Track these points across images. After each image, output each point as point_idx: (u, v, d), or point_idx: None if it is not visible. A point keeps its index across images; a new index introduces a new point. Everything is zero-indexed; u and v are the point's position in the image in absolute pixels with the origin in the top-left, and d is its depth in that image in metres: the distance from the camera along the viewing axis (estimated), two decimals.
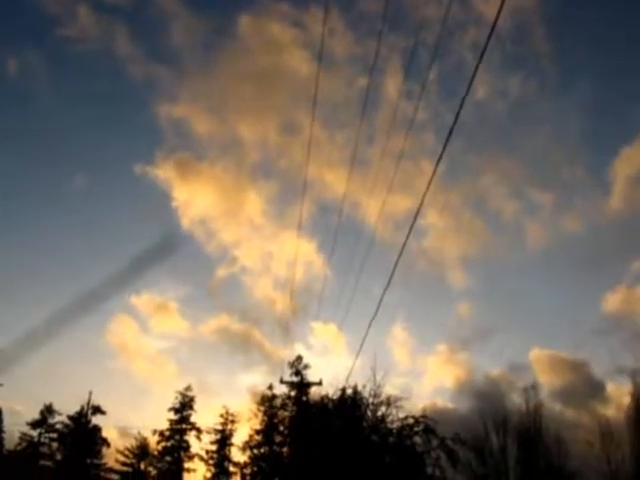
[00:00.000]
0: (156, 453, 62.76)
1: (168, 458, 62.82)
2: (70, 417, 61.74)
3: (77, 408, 61.02)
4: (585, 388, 61.76)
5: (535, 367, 78.99)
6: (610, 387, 68.28)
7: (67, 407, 64.26)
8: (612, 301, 68.49)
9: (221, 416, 64.66)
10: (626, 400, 51.12)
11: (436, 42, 11.03)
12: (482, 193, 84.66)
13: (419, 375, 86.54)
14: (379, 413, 43.70)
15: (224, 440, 63.99)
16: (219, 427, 64.34)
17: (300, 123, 75.63)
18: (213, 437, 63.98)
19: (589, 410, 60.43)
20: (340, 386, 44.06)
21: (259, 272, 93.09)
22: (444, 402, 75.82)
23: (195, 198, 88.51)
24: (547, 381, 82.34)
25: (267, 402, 59.41)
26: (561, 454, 51.46)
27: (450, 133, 10.91)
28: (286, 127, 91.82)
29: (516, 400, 56.57)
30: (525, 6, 76.58)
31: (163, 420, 63.74)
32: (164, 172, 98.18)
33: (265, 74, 79.29)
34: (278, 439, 57.62)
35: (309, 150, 21.75)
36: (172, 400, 64.26)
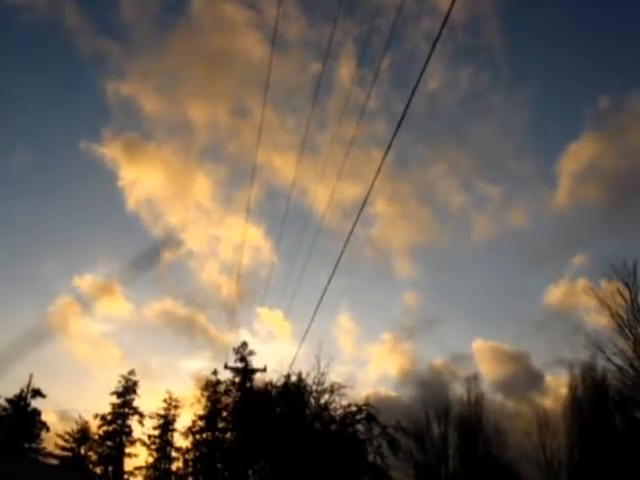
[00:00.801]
0: (97, 438, 61.93)
1: (109, 443, 62.02)
2: (8, 400, 60.42)
3: (16, 391, 59.79)
4: (525, 379, 63.16)
5: (477, 358, 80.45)
6: (549, 378, 70.10)
7: (6, 390, 62.65)
8: (553, 294, 70.06)
9: (164, 401, 64.15)
10: (563, 391, 52.52)
11: (390, 30, 10.92)
12: (431, 183, 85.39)
13: (364, 363, 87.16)
14: (322, 401, 43.97)
15: (167, 425, 63.48)
16: (162, 412, 63.77)
17: (251, 106, 74.82)
18: (156, 422, 63.40)
19: (528, 401, 61.82)
20: (284, 373, 44.17)
21: (205, 256, 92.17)
22: (388, 391, 76.83)
23: (142, 178, 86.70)
24: (488, 372, 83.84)
25: (211, 388, 59.07)
26: (500, 443, 52.70)
27: (400, 122, 10.88)
28: (237, 110, 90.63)
29: (458, 390, 57.71)
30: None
31: (105, 404, 62.93)
32: (110, 150, 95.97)
33: (217, 55, 78.13)
34: (221, 425, 57.38)
35: (260, 134, 21.54)
36: (115, 384, 63.52)
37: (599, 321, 46.23)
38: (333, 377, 44.84)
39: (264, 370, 44.61)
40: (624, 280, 44.58)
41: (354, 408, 43.80)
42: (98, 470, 61.63)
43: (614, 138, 73.24)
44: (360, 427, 44.43)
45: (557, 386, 58.54)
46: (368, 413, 43.64)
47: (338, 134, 16.73)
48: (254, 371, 48.15)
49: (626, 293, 44.31)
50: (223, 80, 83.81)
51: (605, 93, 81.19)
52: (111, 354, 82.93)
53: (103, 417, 62.14)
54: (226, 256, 74.88)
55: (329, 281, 17.28)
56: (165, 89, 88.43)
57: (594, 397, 49.07)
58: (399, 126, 10.96)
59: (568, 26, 79.02)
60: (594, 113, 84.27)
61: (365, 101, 13.65)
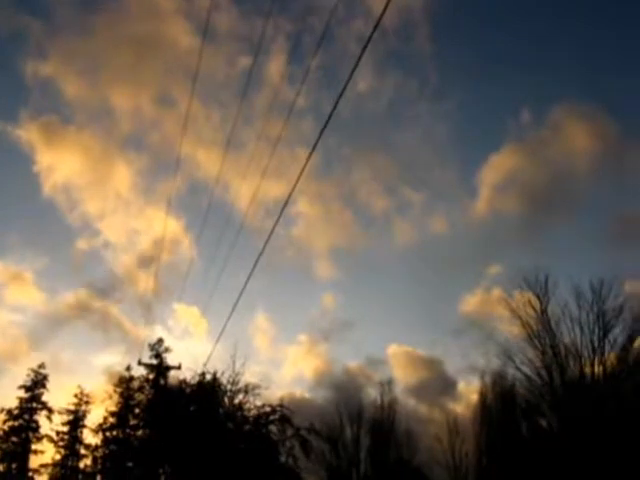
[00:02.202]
0: (1, 433, 59.80)
1: (14, 439, 60.00)
2: None
3: None
4: (438, 385, 64.39)
5: (392, 362, 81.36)
6: (461, 385, 71.57)
7: None
8: (469, 303, 71.65)
9: (75, 396, 62.49)
10: (475, 398, 53.82)
11: (323, 29, 10.86)
12: (354, 186, 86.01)
13: (279, 364, 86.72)
14: (236, 401, 43.67)
15: (77, 421, 61.85)
16: (72, 408, 62.15)
17: (177, 97, 73.28)
18: (65, 418, 61.74)
19: (441, 406, 63.04)
20: (198, 371, 43.70)
21: (123, 247, 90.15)
22: (303, 392, 76.84)
23: (59, 164, 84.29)
24: (403, 376, 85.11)
25: (124, 384, 57.91)
26: (411, 447, 53.58)
27: (326, 123, 10.87)
28: (162, 99, 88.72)
29: (372, 394, 58.38)
30: (413, 5, 78.42)
31: (12, 398, 60.88)
32: (27, 133, 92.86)
33: (144, 41, 76.13)
34: (133, 422, 56.30)
35: (185, 126, 21.21)
36: (23, 377, 61.50)
37: (511, 331, 47.65)
38: (248, 377, 44.58)
39: (179, 368, 44.09)
40: (535, 292, 46.13)
41: (268, 409, 43.70)
42: (0, 467, 59.53)
43: (534, 151, 75.70)
44: (273, 428, 44.35)
45: (469, 392, 60.04)
46: (282, 414, 43.61)
47: (264, 131, 16.64)
48: (169, 368, 47.48)
49: (537, 304, 45.85)
50: (149, 67, 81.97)
51: (527, 107, 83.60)
52: (20, 345, 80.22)
53: (9, 412, 60.10)
54: (144, 249, 73.21)
55: (247, 280, 17.19)
56: (88, 72, 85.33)
57: (503, 404, 50.47)
58: (325, 127, 10.97)
59: (495, 39, 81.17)
60: (516, 126, 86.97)
61: (294, 99, 13.61)
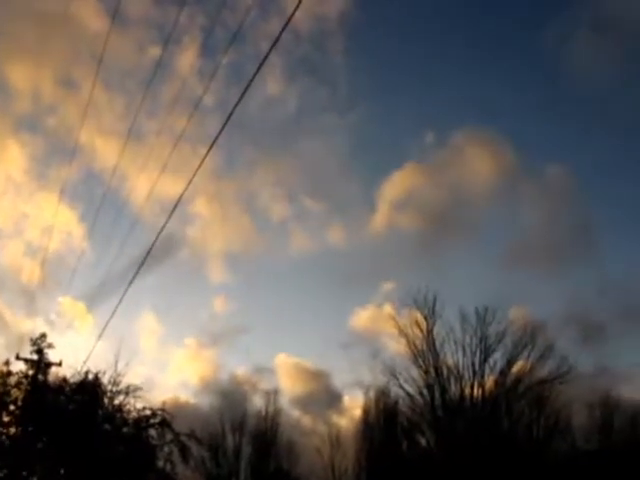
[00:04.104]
0: None
1: None
2: None
3: None
4: (324, 398, 64.73)
5: (279, 372, 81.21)
6: (347, 399, 71.91)
7: None
8: (359, 317, 72.27)
9: None
10: (358, 413, 54.48)
11: (238, 26, 10.75)
12: (255, 190, 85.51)
13: (165, 367, 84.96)
14: (116, 402, 42.55)
15: None
16: None
17: (80, 80, 70.04)
18: None
19: (325, 419, 63.42)
20: (79, 369, 42.39)
21: (9, 233, 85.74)
22: (187, 397, 75.69)
23: None
24: (289, 387, 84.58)
25: (1, 379, 55.37)
26: (291, 459, 53.64)
27: (226, 121, 10.77)
28: (64, 81, 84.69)
29: (257, 403, 58.18)
30: (329, 14, 79.37)
31: None
32: None
33: (49, 18, 72.68)
34: (7, 419, 53.85)
35: (85, 112, 20.58)
36: None
37: (397, 348, 48.67)
38: (132, 378, 43.56)
39: (59, 364, 42.65)
40: (423, 312, 47.38)
41: (148, 412, 42.66)
42: None
43: (434, 172, 77.38)
44: (153, 432, 43.36)
45: (353, 407, 60.51)
46: (162, 418, 42.67)
47: (168, 125, 16.36)
48: (49, 365, 45.80)
49: (423, 324, 47.08)
50: (52, 46, 78.25)
51: (431, 127, 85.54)
52: None
53: None
54: (33, 237, 69.90)
55: (133, 277, 16.83)
56: None
57: (385, 421, 51.33)
58: (225, 124, 10.85)
59: (406, 57, 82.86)
60: (419, 145, 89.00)
61: (201, 95, 13.44)
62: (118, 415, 43.05)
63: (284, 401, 77.84)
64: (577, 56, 77.34)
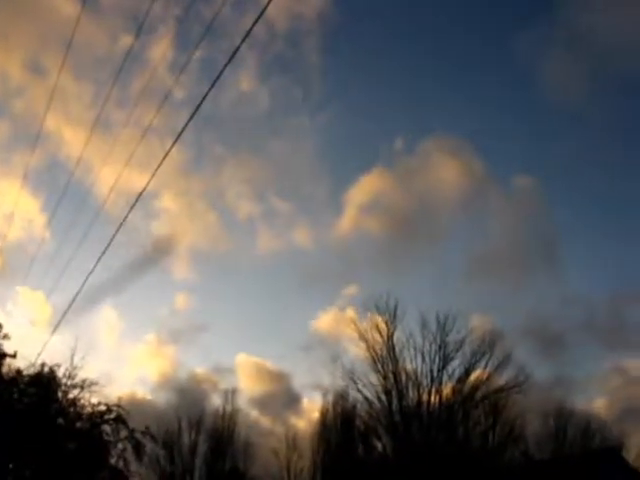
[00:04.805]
0: None
1: None
2: None
3: None
4: (283, 399, 64.72)
5: (239, 371, 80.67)
6: (306, 401, 71.79)
7: None
8: (322, 320, 71.73)
9: None
10: (316, 415, 54.48)
11: (212, 19, 10.55)
12: (223, 187, 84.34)
13: (124, 362, 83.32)
14: (71, 396, 41.89)
15: None
16: None
17: (49, 66, 68.46)
18: None
19: (283, 420, 63.32)
20: (33, 361, 41.63)
21: None
22: (145, 394, 74.69)
23: None
24: (249, 387, 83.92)
25: None
26: (248, 459, 53.40)
27: (192, 115, 10.57)
28: (32, 66, 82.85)
29: (215, 402, 57.87)
30: (307, 14, 79.06)
31: None
32: None
33: (19, 1, 71.16)
34: None
35: (52, 98, 20.10)
36: None
37: (357, 353, 48.77)
38: (88, 372, 42.83)
39: (14, 356, 41.82)
40: (384, 317, 47.59)
41: (104, 407, 42.06)
42: None
43: (403, 179, 77.16)
44: (107, 428, 42.77)
45: (312, 410, 60.45)
46: (118, 414, 42.06)
47: (137, 117, 16.03)
48: (4, 356, 44.93)
49: (384, 330, 47.29)
50: (21, 28, 76.69)
51: (401, 133, 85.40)
52: None
53: None
54: None
55: (93, 268, 16.58)
56: None
57: (342, 425, 51.41)
58: (191, 117, 10.62)
59: (381, 63, 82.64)
60: (389, 150, 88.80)
61: (171, 88, 13.20)
62: (72, 410, 42.41)
63: (243, 401, 77.31)
64: (547, 69, 78.41)
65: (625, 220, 78.03)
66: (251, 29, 9.35)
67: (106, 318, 72.04)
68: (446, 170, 76.24)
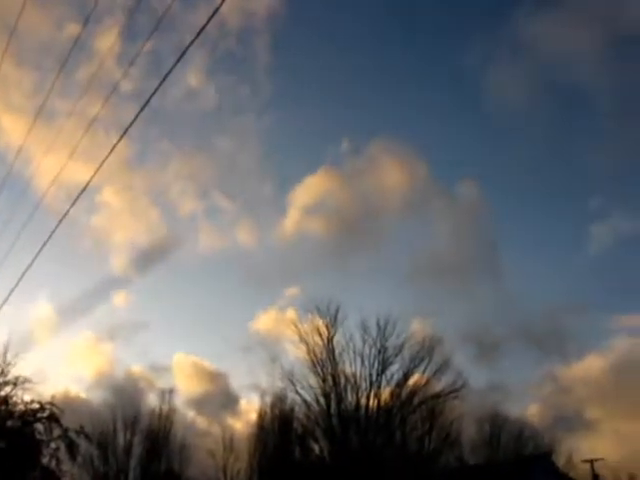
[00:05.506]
0: None
1: None
2: None
3: None
4: (220, 399, 64.03)
5: (177, 370, 79.63)
6: (243, 402, 71.17)
7: None
8: (262, 321, 71.14)
9: None
10: (254, 417, 54.25)
11: (162, 13, 10.31)
12: (166, 183, 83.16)
13: (59, 359, 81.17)
14: (2, 393, 40.78)
15: None
16: None
17: None
18: None
19: (220, 421, 62.72)
20: None
21: None
22: (79, 392, 73.05)
23: None
24: (186, 387, 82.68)
25: None
26: (184, 460, 52.78)
27: (140, 111, 10.37)
28: None
29: (152, 401, 56.94)
30: (258, 12, 78.62)
31: None
32: None
33: None
34: None
35: None
36: None
37: (297, 355, 48.76)
38: (21, 369, 41.76)
39: None
40: (325, 320, 47.76)
41: (37, 405, 41.11)
42: None
43: (348, 181, 77.52)
44: (40, 427, 41.75)
45: (249, 411, 60.04)
46: (51, 412, 41.14)
47: (81, 109, 15.65)
48: None
49: (324, 332, 47.47)
50: None
51: (347, 135, 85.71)
52: None
53: None
54: None
55: (30, 264, 16.20)
56: None
57: (280, 426, 51.31)
58: (140, 112, 10.46)
59: (330, 64, 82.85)
60: (335, 151, 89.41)
61: (118, 80, 12.93)
62: (3, 407, 41.30)
63: (180, 401, 76.58)
64: (491, 77, 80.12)
65: (564, 228, 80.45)
66: (203, 28, 9.26)
67: (41, 313, 70.34)
68: (391, 173, 77.13)
